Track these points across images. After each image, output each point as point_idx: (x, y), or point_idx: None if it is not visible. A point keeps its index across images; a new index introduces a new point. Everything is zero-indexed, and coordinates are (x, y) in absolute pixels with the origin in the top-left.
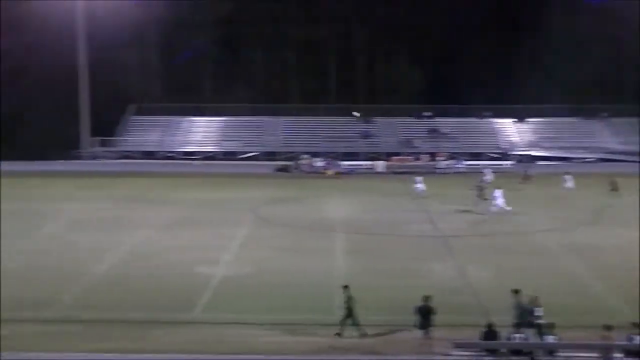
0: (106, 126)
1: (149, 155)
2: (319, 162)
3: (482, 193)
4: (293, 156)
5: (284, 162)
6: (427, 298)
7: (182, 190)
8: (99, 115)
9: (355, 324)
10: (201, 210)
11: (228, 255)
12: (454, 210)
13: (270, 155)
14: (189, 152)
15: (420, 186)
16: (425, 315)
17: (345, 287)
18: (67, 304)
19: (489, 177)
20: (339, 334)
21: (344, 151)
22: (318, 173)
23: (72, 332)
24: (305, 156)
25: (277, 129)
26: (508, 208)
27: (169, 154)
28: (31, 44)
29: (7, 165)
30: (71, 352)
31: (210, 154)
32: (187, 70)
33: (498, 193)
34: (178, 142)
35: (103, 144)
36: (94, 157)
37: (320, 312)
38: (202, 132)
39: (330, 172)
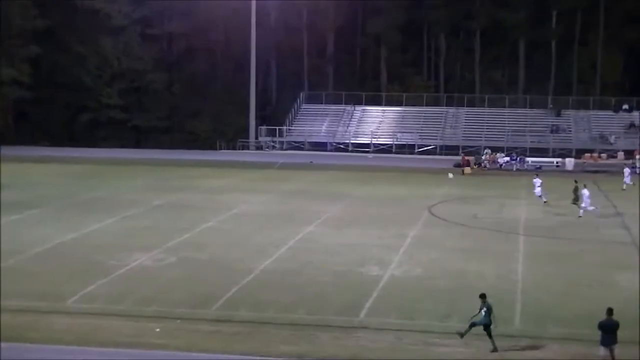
0: (275, 115)
1: (319, 146)
2: (503, 158)
3: None
4: (474, 151)
5: (464, 157)
6: (610, 311)
7: (353, 185)
8: (268, 102)
9: (490, 335)
10: (372, 206)
11: (398, 255)
12: None
13: (449, 150)
14: (361, 144)
15: (538, 190)
16: (608, 330)
17: (483, 296)
18: (233, 302)
19: None
20: (495, 350)
21: (531, 146)
22: (501, 169)
23: (239, 332)
24: (488, 151)
25: (458, 121)
26: None
27: (340, 145)
28: (203, 29)
29: (176, 154)
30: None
31: (385, 147)
32: (362, 57)
33: None
34: (350, 132)
35: (271, 133)
36: (261, 147)
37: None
38: (376, 122)
39: (514, 168)
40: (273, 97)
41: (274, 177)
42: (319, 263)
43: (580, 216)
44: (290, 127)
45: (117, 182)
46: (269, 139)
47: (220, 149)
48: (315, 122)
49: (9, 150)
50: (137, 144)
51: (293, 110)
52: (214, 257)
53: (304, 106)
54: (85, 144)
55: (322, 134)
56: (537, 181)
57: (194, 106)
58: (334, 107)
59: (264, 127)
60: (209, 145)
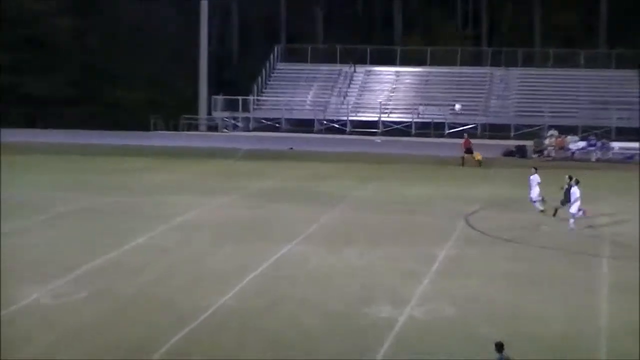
0: (237, 80)
1: (303, 125)
2: (576, 143)
3: None
4: (534, 132)
5: (518, 142)
6: (500, 347)
7: (352, 182)
8: (226, 62)
9: None
10: (381, 213)
11: (420, 286)
12: None
13: (496, 130)
14: (365, 122)
15: (535, 193)
16: None
17: (499, 346)
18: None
19: None
20: None
21: (618, 125)
22: (573, 160)
23: None
24: (554, 132)
25: (509, 88)
26: None
27: (334, 125)
28: None
29: (92, 137)
30: None
31: (400, 127)
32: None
33: None
34: (349, 106)
35: (231, 106)
36: (217, 128)
37: None
38: (387, 91)
39: (593, 158)
40: (234, 54)
41: (237, 171)
42: (302, 298)
43: (571, 228)
44: (260, 98)
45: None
46: (227, 114)
47: (157, 129)
48: (297, 90)
49: None
50: (31, 122)
51: (264, 72)
52: (147, 289)
53: (279, 67)
54: None
55: (307, 107)
56: (534, 179)
57: (117, 67)
58: (324, 67)
59: (220, 98)
60: (139, 124)
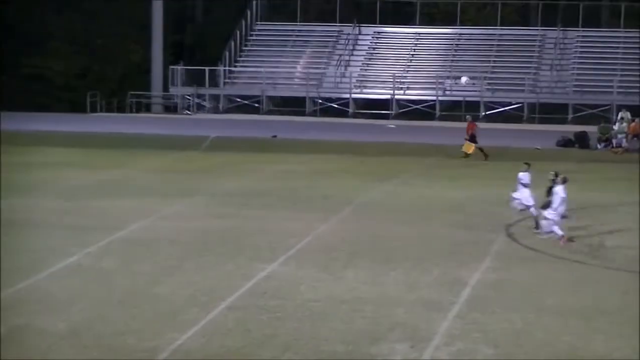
0: (202, 44)
1: (290, 105)
2: None
3: None
4: (599, 115)
5: (578, 127)
6: None
7: (356, 180)
8: (187, 19)
9: None
10: (395, 222)
11: (446, 321)
12: None
13: (547, 111)
14: (373, 101)
15: (522, 196)
16: None
17: None
18: None
19: None
20: None
21: None
22: None
23: None
24: (625, 114)
25: (565, 55)
26: None
27: (332, 105)
28: None
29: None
30: None
31: (420, 107)
32: None
33: None
34: (351, 79)
35: (194, 80)
36: (176, 108)
37: None
38: (403, 60)
39: None
40: (198, 9)
41: (202, 167)
42: (289, 336)
43: (538, 231)
44: (233, 69)
45: None
46: (189, 91)
47: (94, 110)
48: (282, 58)
49: None
50: None
51: (238, 35)
52: (77, 326)
53: (258, 27)
54: None
55: (296, 81)
56: (524, 178)
57: (38, 25)
58: (318, 28)
59: (179, 69)
60: (71, 103)
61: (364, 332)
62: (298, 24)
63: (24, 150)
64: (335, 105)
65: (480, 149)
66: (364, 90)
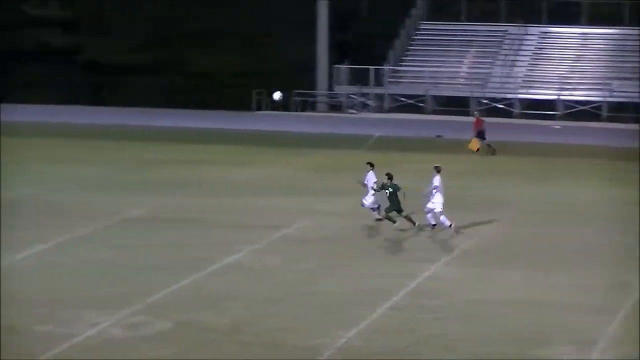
0: (367, 44)
1: (454, 104)
2: None
3: None
4: None
5: None
6: None
7: (521, 180)
8: (351, 18)
9: None
10: (563, 223)
11: (609, 323)
12: None
13: None
14: (539, 101)
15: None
16: None
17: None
18: None
19: None
20: None
21: None
22: None
23: None
24: None
25: None
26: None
27: (497, 105)
28: None
29: (168, 117)
30: None
31: (587, 108)
32: None
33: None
34: (518, 79)
35: (358, 79)
36: (340, 107)
37: None
38: (569, 60)
39: None
40: (363, 10)
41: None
42: (452, 337)
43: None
44: (398, 67)
45: (47, 168)
46: (354, 89)
47: (261, 108)
48: (446, 57)
49: None
50: (96, 97)
51: (402, 34)
52: (240, 322)
53: (424, 27)
54: None
55: (461, 81)
56: (369, 178)
57: (205, 25)
58: (483, 28)
59: (344, 68)
60: (236, 101)
61: (528, 334)
62: (462, 23)
63: (192, 148)
64: (500, 106)
65: (488, 145)
66: (530, 91)
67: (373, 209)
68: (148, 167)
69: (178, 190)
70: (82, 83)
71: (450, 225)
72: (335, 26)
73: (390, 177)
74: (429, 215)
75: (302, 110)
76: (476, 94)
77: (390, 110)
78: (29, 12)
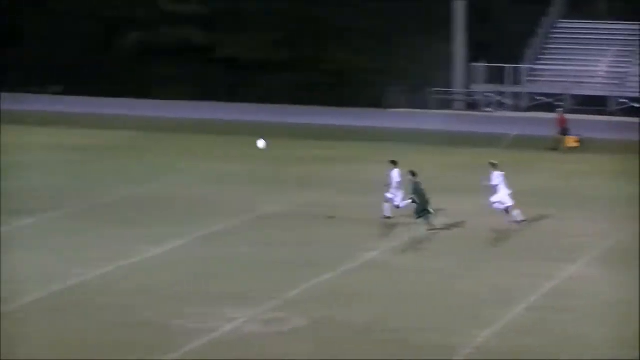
0: (502, 42)
1: (593, 104)
2: None
3: None
4: None
5: None
6: None
7: None
8: (486, 18)
9: None
10: None
11: None
12: None
13: None
14: None
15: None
16: None
17: None
18: None
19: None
20: None
21: None
22: None
23: None
24: None
25: None
26: None
27: (632, 105)
28: None
29: (297, 114)
30: None
31: None
32: None
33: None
34: None
35: (495, 78)
36: (476, 105)
37: None
38: None
39: None
40: (498, 7)
41: (500, 164)
42: (590, 338)
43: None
44: (535, 66)
45: (184, 164)
46: (491, 88)
47: (392, 106)
48: (583, 56)
49: None
50: (232, 93)
51: (539, 32)
52: (377, 319)
53: (561, 25)
54: (121, 91)
55: (600, 80)
56: (394, 177)
57: (340, 21)
58: (622, 27)
59: (480, 66)
60: (371, 98)
61: None
62: (601, 22)
63: (327, 145)
64: (637, 105)
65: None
66: None
67: (505, 210)
68: (284, 164)
69: (313, 187)
70: (218, 79)
71: (520, 221)
72: (472, 24)
73: (413, 174)
74: (498, 206)
75: (438, 108)
76: (615, 93)
77: (527, 109)
78: (167, 9)
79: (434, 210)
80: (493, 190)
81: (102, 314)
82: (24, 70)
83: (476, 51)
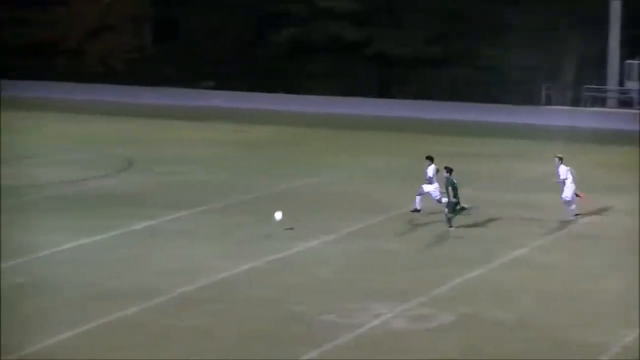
0: None
1: None
2: None
3: None
4: None
5: None
6: None
7: None
8: None
9: None
10: None
11: None
12: None
13: None
14: None
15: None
16: None
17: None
18: None
19: None
20: None
21: None
22: None
23: None
24: None
25: None
26: None
27: None
28: None
29: (467, 110)
30: None
31: None
32: None
33: None
34: None
35: None
36: (631, 102)
37: None
38: None
39: None
40: None
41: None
42: None
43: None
44: None
45: (333, 159)
46: None
47: (549, 103)
48: None
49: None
50: (384, 89)
51: None
52: (525, 316)
53: None
54: (273, 87)
55: None
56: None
57: (495, 16)
58: None
59: (635, 63)
60: (524, 95)
61: None
62: None
63: (479, 142)
64: None
65: None
66: None
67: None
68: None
69: (467, 184)
70: (370, 75)
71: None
72: (627, 21)
73: (449, 170)
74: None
75: (592, 106)
76: None
77: None
78: (321, 6)
79: (467, 207)
80: (562, 185)
81: (251, 306)
82: (178, 66)
83: (631, 48)
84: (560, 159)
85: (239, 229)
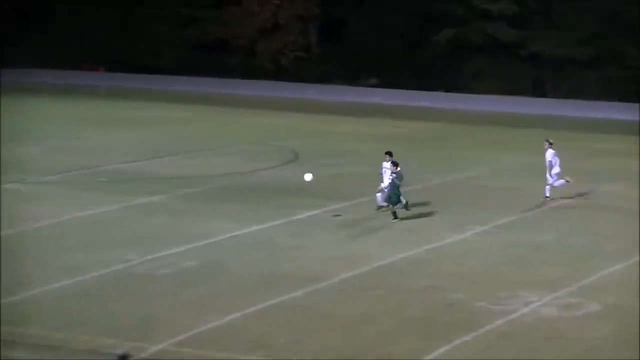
0: None
1: None
2: None
3: None
4: None
5: None
6: None
7: None
8: None
9: None
10: None
11: None
12: None
13: None
14: None
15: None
16: None
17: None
18: None
19: None
20: None
21: None
22: None
23: None
24: None
25: None
26: None
27: None
28: None
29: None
30: None
31: None
32: None
33: None
34: None
35: None
36: None
37: None
38: None
39: None
40: None
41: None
42: None
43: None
44: None
45: (488, 155)
46: None
47: None
48: None
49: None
50: (538, 88)
51: None
52: None
53: None
54: (433, 85)
55: None
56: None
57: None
58: None
59: None
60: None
61: None
62: None
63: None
64: None
65: None
66: None
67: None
68: (582, 157)
69: (610, 180)
70: (525, 75)
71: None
72: None
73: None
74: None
75: None
76: None
77: None
78: (480, 7)
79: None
80: (549, 167)
81: (408, 293)
82: (342, 64)
83: None
84: (550, 143)
85: (397, 220)
